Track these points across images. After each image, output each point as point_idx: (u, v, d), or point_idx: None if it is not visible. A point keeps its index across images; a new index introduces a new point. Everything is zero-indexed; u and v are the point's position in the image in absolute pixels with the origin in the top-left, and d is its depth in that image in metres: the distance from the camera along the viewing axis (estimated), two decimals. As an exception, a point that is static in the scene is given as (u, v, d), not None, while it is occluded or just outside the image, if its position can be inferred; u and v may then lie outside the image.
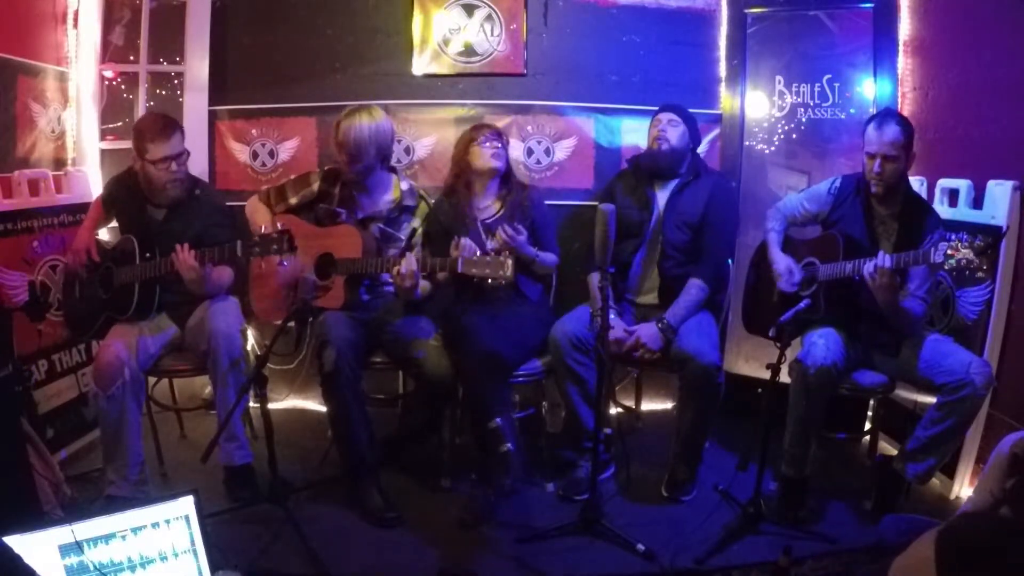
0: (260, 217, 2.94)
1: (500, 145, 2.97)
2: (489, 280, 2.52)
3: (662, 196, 2.96)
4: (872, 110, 3.32)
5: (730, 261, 3.14)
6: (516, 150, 3.48)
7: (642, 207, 2.95)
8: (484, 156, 2.94)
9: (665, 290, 2.91)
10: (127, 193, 2.79)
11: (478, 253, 2.57)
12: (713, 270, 2.89)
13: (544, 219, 3.03)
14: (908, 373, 2.63)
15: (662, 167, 2.95)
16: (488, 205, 3.01)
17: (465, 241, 2.69)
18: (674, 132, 2.91)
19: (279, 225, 2.61)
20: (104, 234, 3.04)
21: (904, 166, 2.61)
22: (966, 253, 2.22)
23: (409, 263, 2.60)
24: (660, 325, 2.77)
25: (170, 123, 2.70)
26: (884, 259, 2.42)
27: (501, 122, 3.50)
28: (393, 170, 2.98)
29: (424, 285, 2.84)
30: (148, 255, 2.64)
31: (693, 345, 2.66)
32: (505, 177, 3.03)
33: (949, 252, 2.24)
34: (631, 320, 2.95)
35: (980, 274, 2.63)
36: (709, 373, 2.62)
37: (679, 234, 2.90)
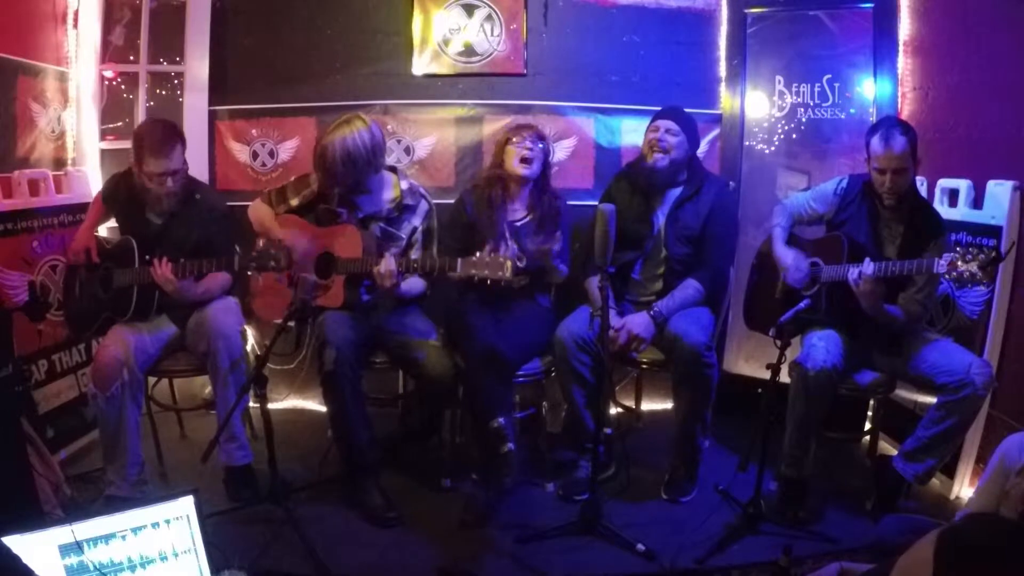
0: (264, 219, 2.92)
1: (535, 151, 2.88)
2: (489, 281, 2.51)
3: (662, 209, 2.91)
4: (872, 110, 3.33)
5: (731, 269, 3.11)
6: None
7: (641, 220, 2.91)
8: (514, 161, 2.89)
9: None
10: (127, 194, 2.78)
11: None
12: (712, 277, 2.87)
13: (566, 231, 2.99)
14: (908, 373, 2.63)
15: (658, 184, 2.90)
16: (518, 208, 2.98)
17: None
18: (672, 142, 2.81)
19: (280, 239, 2.62)
20: (104, 231, 3.04)
21: (913, 173, 2.59)
22: (970, 267, 2.21)
23: (388, 263, 2.60)
24: (651, 313, 2.76)
25: (171, 136, 2.63)
26: (868, 266, 2.44)
27: (501, 122, 3.50)
28: (393, 169, 2.97)
29: (416, 282, 2.85)
30: (147, 258, 2.64)
31: (681, 327, 2.67)
32: (539, 183, 2.96)
33: (955, 263, 2.24)
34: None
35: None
36: (696, 353, 2.61)
37: (681, 248, 2.87)
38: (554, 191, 3.03)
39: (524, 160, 2.88)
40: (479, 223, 2.92)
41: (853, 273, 2.48)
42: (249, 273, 2.74)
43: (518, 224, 2.95)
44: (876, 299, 2.49)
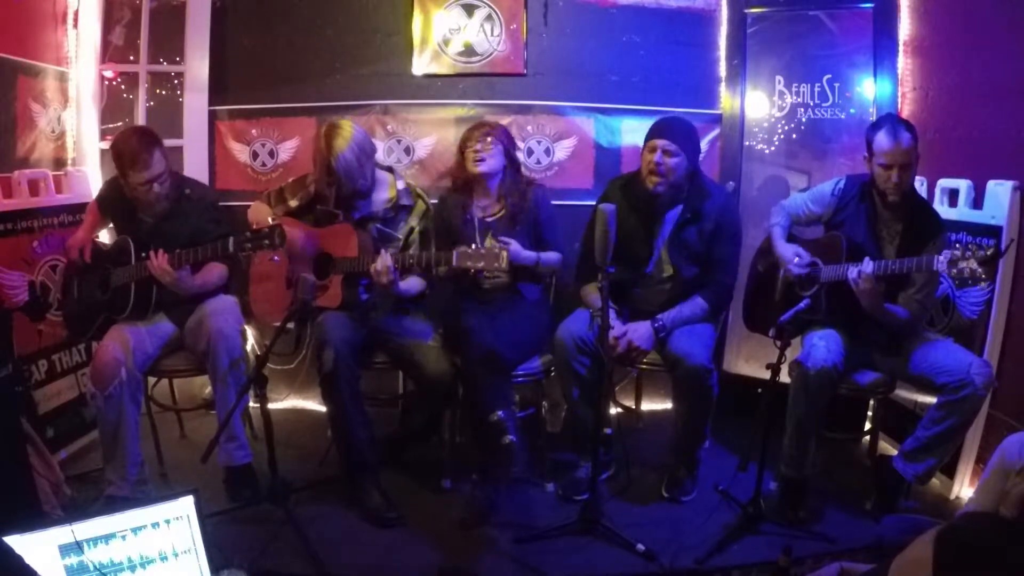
0: (264, 218, 2.92)
1: (489, 147, 2.87)
2: (485, 272, 2.51)
3: (661, 232, 2.85)
4: (872, 110, 3.33)
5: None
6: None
7: (641, 241, 2.85)
8: (470, 160, 2.90)
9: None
10: (120, 196, 2.77)
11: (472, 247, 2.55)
12: (719, 295, 2.85)
13: (549, 217, 2.98)
14: (908, 373, 2.63)
15: (658, 208, 2.83)
16: (488, 204, 3.00)
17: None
18: (671, 164, 2.70)
19: (270, 219, 2.62)
20: (104, 236, 3.04)
21: (916, 169, 2.59)
22: (970, 264, 2.21)
23: (384, 260, 2.61)
24: (655, 325, 2.75)
25: (145, 144, 2.59)
26: (867, 265, 2.44)
27: (501, 122, 3.49)
28: (390, 170, 2.98)
29: (415, 281, 2.86)
30: (144, 255, 2.63)
31: (684, 346, 2.66)
32: (507, 177, 2.97)
33: (955, 259, 2.24)
34: (629, 320, 2.93)
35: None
36: (699, 374, 2.60)
37: (685, 268, 2.83)
38: (527, 180, 3.02)
39: (477, 161, 2.88)
40: (452, 225, 2.95)
41: (853, 272, 2.48)
42: (243, 255, 2.72)
43: (490, 221, 2.96)
44: (876, 298, 2.49)
